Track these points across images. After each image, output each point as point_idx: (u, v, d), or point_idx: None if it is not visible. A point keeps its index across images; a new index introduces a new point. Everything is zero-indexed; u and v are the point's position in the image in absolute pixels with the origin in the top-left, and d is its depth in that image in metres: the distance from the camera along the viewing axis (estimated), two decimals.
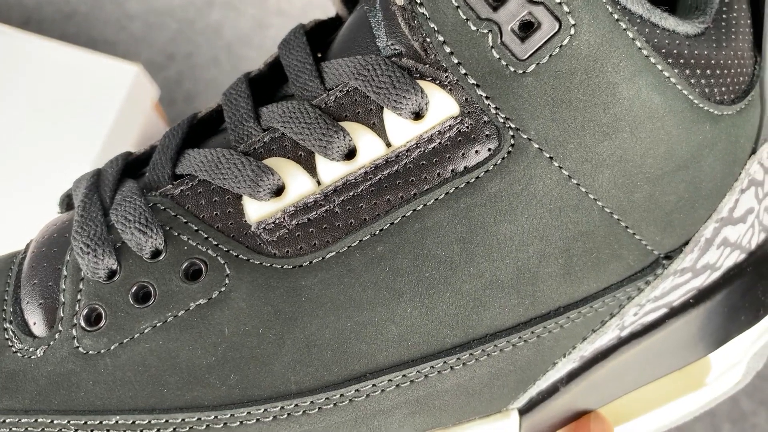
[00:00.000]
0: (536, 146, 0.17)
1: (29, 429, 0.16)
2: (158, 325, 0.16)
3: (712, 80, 0.18)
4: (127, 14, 0.51)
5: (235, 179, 0.17)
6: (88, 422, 0.16)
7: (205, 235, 0.17)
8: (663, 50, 0.17)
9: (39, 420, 0.16)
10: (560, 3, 0.16)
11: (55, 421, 0.16)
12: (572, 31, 0.16)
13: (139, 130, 0.42)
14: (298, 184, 0.17)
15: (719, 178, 0.19)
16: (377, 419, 0.17)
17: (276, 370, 0.16)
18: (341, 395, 0.17)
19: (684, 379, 0.23)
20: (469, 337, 0.17)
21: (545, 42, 0.16)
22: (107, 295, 0.17)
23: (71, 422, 0.16)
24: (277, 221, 0.17)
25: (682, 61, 0.18)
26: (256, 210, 0.17)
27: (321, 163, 0.17)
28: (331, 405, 0.16)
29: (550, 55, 0.16)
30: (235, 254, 0.16)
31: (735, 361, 0.23)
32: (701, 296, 0.21)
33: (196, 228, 0.17)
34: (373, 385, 0.17)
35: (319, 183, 0.17)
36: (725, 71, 0.19)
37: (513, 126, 0.17)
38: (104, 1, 0.51)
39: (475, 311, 0.17)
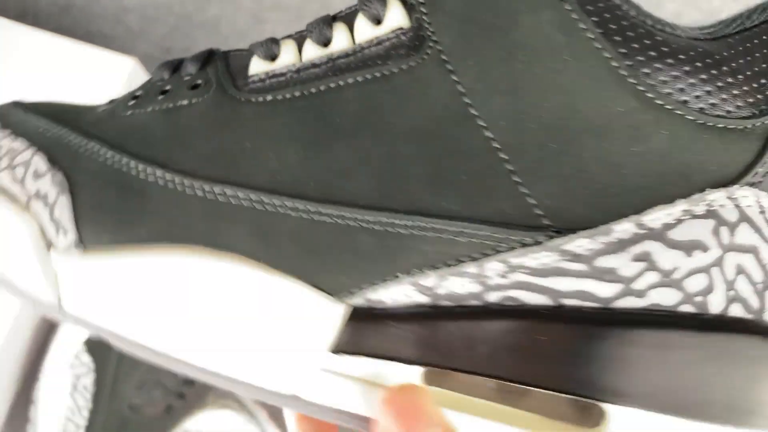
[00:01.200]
0: (444, 57, 0.19)
1: (107, 158, 0.21)
2: (165, 107, 0.22)
3: (676, 74, 0.18)
4: (124, 8, 0.51)
5: (257, 45, 0.22)
6: (148, 169, 0.21)
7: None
8: (589, 6, 0.18)
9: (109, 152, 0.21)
10: None
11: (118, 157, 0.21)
12: None
13: None
14: (288, 56, 0.21)
15: (650, 178, 0.18)
16: (223, 222, 0.20)
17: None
18: (237, 196, 0.20)
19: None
20: (325, 196, 0.19)
21: None
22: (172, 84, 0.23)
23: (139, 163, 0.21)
24: (260, 77, 0.21)
25: (617, 29, 0.18)
26: (255, 67, 0.21)
27: (307, 46, 0.21)
28: (236, 203, 0.20)
29: None
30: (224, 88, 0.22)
31: None
32: (609, 316, 0.18)
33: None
34: (235, 195, 0.20)
35: (300, 60, 0.21)
36: (726, 80, 0.18)
37: (434, 39, 0.19)
38: None
39: (340, 177, 0.19)
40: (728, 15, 0.21)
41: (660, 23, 0.18)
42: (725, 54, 0.18)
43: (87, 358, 0.38)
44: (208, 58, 0.23)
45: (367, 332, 0.20)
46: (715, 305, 0.18)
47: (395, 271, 0.19)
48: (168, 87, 0.22)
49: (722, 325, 0.17)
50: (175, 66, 0.23)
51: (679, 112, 0.17)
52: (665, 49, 0.18)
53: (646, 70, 0.17)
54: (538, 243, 0.18)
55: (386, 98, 0.19)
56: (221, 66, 0.22)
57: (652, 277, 0.18)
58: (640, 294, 0.18)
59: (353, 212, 0.19)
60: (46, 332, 0.41)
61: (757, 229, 0.18)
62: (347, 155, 0.19)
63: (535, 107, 0.18)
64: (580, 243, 0.18)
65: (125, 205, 0.21)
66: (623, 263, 0.18)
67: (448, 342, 0.19)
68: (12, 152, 0.22)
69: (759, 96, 0.17)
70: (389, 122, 0.19)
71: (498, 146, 0.18)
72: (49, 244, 0.21)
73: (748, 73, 0.17)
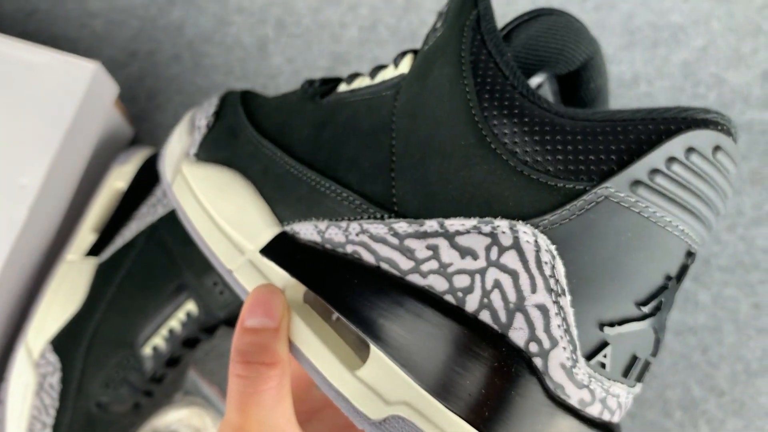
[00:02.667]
0: (398, 93, 0.27)
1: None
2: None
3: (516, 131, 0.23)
4: (89, 12, 0.51)
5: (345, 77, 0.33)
6: (249, 129, 0.31)
7: None
8: (482, 77, 0.24)
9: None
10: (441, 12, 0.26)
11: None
12: (438, 25, 0.26)
13: (99, 127, 0.43)
14: (342, 86, 0.30)
15: (464, 196, 0.23)
16: (255, 160, 0.30)
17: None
18: (272, 149, 0.30)
19: (345, 351, 0.25)
20: (303, 156, 0.28)
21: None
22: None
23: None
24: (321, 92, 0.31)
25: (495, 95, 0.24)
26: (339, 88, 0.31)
27: (342, 85, 0.30)
28: (269, 153, 0.30)
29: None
30: None
31: None
32: (398, 282, 0.23)
33: None
34: (271, 148, 0.30)
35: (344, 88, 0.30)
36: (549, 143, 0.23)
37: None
38: None
39: (316, 146, 0.28)
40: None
41: (532, 96, 0.23)
42: (569, 130, 0.22)
43: (53, 357, 0.38)
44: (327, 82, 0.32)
45: (282, 248, 0.27)
46: (471, 305, 0.22)
47: (311, 215, 0.26)
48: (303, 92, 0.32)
49: (467, 321, 0.22)
50: (310, 83, 0.32)
51: (504, 156, 0.22)
52: (516, 112, 0.23)
53: (495, 122, 0.23)
54: (381, 218, 0.24)
55: (363, 109, 0.27)
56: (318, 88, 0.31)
57: (434, 264, 0.23)
58: (423, 275, 0.23)
59: (304, 169, 0.27)
60: (12, 333, 0.41)
61: (524, 260, 0.21)
62: (328, 135, 0.28)
63: (419, 127, 0.25)
64: (400, 225, 0.24)
65: (225, 143, 0.31)
66: (419, 247, 0.23)
67: (316, 270, 0.25)
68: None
69: (581, 167, 0.22)
70: (357, 123, 0.27)
71: (393, 150, 0.25)
72: (186, 154, 0.32)
73: (581, 149, 0.22)
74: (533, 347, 0.21)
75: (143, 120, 0.50)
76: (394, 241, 0.24)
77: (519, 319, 0.21)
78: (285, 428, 0.24)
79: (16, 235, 0.37)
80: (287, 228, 0.27)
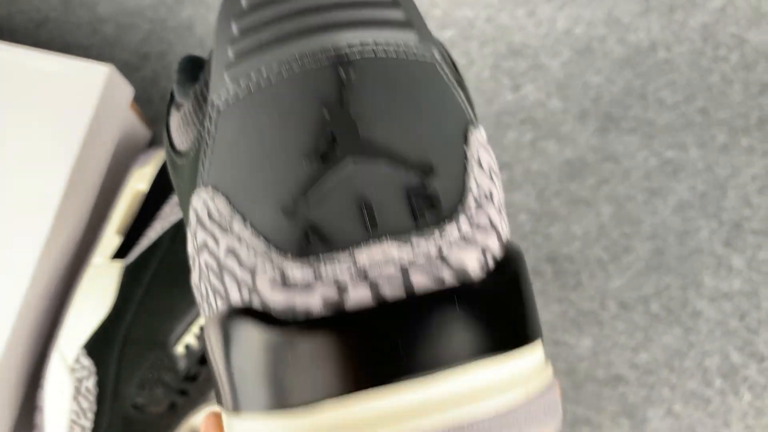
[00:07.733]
0: None
1: None
2: None
3: None
4: (99, 17, 0.51)
5: None
6: None
7: None
8: None
9: None
10: None
11: None
12: None
13: (117, 131, 0.43)
14: None
15: None
16: None
17: None
18: None
19: None
20: None
21: None
22: None
23: None
24: None
25: None
26: None
27: None
28: None
29: None
30: None
31: None
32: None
33: None
34: None
35: None
36: None
37: None
38: (75, 5, 0.51)
39: None
40: None
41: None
42: None
43: (87, 362, 0.39)
44: None
45: None
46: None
47: None
48: None
49: None
50: None
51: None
52: None
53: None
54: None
55: None
56: None
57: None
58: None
59: None
60: (45, 339, 0.42)
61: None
62: None
63: None
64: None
65: None
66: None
67: None
68: None
69: None
70: None
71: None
72: None
73: None
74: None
75: (160, 122, 0.50)
76: None
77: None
78: None
79: (42, 244, 0.38)
80: None
